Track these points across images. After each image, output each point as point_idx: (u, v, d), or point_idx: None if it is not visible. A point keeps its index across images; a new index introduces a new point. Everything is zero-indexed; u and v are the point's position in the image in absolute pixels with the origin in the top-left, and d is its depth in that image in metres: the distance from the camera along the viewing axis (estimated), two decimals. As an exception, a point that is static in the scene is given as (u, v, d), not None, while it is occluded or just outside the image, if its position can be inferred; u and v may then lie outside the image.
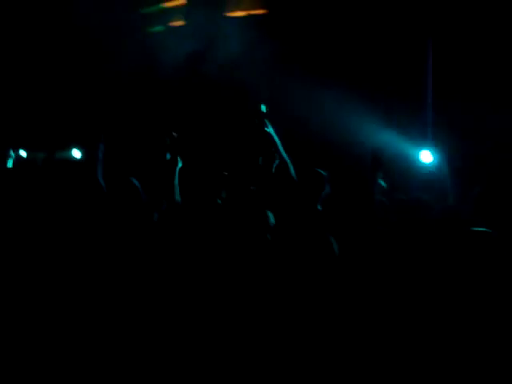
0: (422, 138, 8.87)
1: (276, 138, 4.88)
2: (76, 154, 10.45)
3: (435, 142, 8.57)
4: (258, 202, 4.74)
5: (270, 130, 4.89)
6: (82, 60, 10.09)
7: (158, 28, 10.63)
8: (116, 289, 3.95)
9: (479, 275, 3.77)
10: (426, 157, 7.99)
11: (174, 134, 5.30)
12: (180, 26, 10.46)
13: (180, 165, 5.05)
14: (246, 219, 4.36)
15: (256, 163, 5.07)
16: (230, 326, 3.80)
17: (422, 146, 8.28)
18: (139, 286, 4.00)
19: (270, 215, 4.41)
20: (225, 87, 9.56)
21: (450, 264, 3.89)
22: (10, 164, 7.26)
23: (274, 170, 4.84)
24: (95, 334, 3.80)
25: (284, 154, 4.84)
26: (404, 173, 8.04)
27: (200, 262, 4.16)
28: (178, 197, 4.90)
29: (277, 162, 4.89)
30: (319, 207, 4.63)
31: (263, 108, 4.97)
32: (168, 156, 5.06)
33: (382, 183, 5.53)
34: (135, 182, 4.83)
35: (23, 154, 9.83)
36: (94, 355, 3.74)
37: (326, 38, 9.63)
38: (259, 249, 4.21)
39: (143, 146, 9.17)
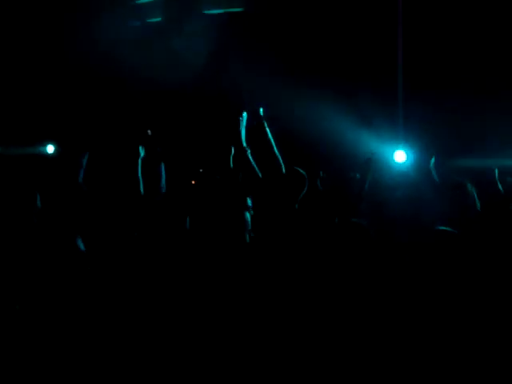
0: (395, 136, 8.96)
1: (272, 140, 5.01)
2: (49, 149, 10.38)
3: (408, 141, 8.66)
4: (235, 198, 4.78)
5: (268, 131, 5.03)
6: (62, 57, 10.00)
7: (135, 24, 10.58)
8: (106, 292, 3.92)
9: (445, 273, 3.86)
10: (400, 156, 8.09)
11: (148, 131, 5.36)
12: (157, 24, 10.43)
13: (142, 155, 5.11)
14: (224, 220, 4.38)
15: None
16: (214, 328, 3.80)
17: (396, 145, 8.37)
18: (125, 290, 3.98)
19: (247, 216, 4.44)
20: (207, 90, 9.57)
21: (418, 262, 3.98)
22: None
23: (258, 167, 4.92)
24: (95, 333, 3.76)
25: (278, 155, 4.95)
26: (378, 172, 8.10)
27: (172, 261, 4.14)
28: (141, 189, 4.95)
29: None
30: (296, 206, 4.68)
31: (261, 111, 5.13)
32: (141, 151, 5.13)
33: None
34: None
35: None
36: (94, 355, 3.70)
37: (301, 35, 9.69)
38: (237, 248, 4.23)
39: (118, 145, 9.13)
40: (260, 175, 4.78)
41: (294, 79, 8.92)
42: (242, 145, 4.87)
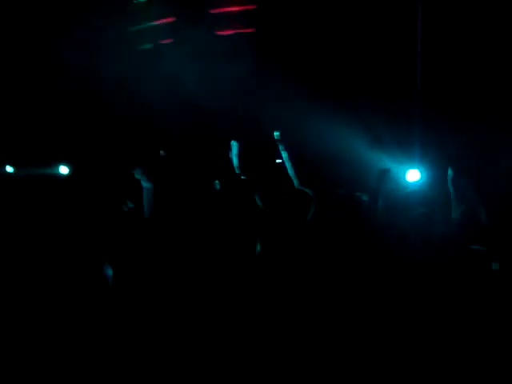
0: (409, 155, 8.88)
1: (289, 162, 5.05)
2: (63, 170, 10.44)
3: (422, 160, 8.58)
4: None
5: (284, 155, 5.07)
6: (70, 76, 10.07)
7: (147, 46, 10.65)
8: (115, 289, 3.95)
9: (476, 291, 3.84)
10: (413, 176, 8.00)
11: (161, 152, 5.35)
12: (169, 45, 10.46)
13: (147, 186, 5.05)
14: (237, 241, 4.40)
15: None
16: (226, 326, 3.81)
17: (409, 164, 8.29)
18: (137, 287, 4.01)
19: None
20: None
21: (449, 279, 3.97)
22: None
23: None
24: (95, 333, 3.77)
25: (292, 176, 4.99)
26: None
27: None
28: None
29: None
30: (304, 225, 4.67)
31: (277, 135, 5.16)
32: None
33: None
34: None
35: (9, 169, 9.83)
36: (94, 355, 3.70)
37: (314, 54, 9.70)
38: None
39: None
40: (259, 201, 4.81)
41: (308, 99, 8.90)
42: (233, 172, 4.93)
